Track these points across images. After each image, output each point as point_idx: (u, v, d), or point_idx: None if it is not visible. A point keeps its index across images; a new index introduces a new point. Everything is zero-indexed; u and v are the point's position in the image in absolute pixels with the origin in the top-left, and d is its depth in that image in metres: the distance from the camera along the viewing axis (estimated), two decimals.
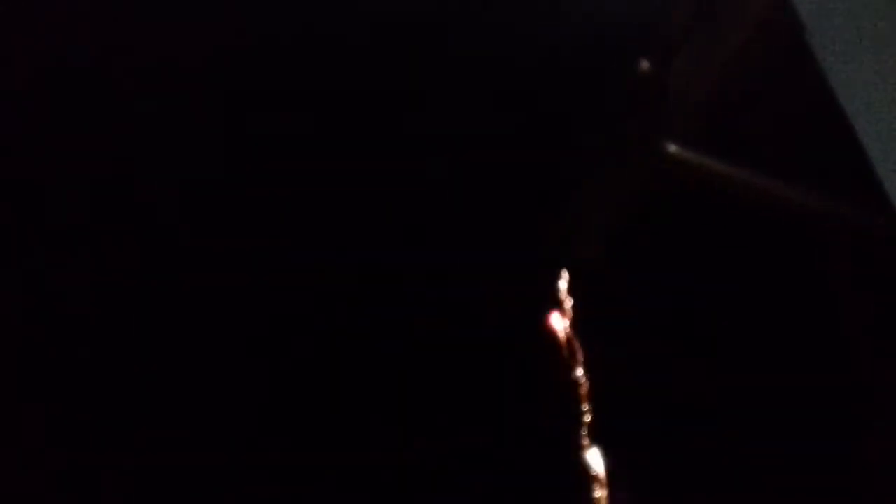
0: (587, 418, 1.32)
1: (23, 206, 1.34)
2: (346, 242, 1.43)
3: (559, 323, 1.39)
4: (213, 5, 1.43)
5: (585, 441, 1.29)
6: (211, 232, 1.40)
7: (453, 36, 1.55)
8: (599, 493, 1.25)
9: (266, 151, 1.44)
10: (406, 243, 1.45)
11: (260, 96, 1.45)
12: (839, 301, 1.36)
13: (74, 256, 1.34)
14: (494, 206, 1.53)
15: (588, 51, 1.51)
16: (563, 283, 1.43)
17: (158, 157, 1.40)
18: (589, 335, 1.43)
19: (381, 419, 1.30)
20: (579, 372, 1.35)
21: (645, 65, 1.48)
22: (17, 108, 1.36)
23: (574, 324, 1.42)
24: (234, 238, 1.40)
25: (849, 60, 1.45)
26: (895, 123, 1.46)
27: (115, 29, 1.39)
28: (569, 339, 1.37)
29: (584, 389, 1.35)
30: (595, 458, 1.27)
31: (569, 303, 1.41)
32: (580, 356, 1.37)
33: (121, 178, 1.39)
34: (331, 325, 1.40)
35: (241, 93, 1.45)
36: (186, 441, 1.26)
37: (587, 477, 1.26)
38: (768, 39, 1.43)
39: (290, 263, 1.40)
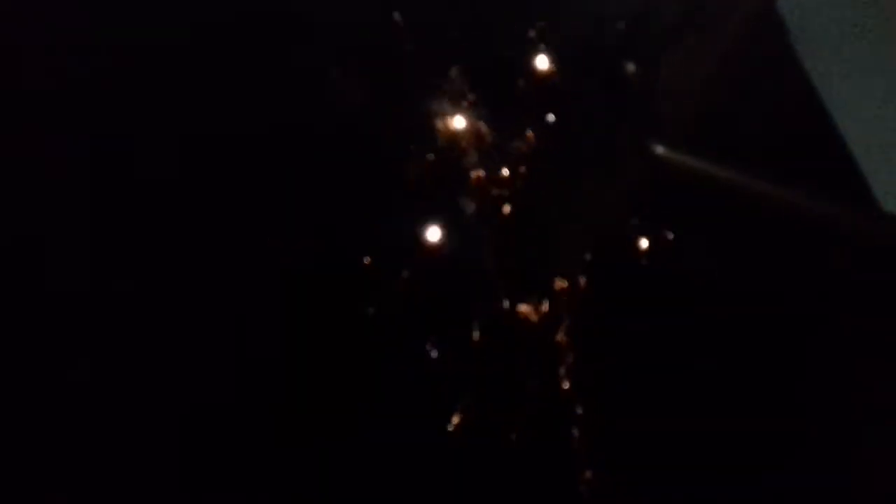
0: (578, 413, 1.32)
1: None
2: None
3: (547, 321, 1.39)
4: None
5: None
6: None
7: (439, 38, 1.55)
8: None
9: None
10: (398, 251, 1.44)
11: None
12: (827, 299, 1.37)
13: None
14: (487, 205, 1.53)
15: (574, 53, 1.51)
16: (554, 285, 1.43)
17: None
18: (580, 338, 1.43)
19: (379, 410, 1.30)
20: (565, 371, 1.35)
21: (631, 67, 1.49)
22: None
23: (565, 327, 1.42)
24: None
25: (833, 62, 1.47)
26: (878, 123, 1.48)
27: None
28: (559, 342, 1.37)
29: (569, 387, 1.35)
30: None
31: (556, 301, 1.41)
32: (570, 358, 1.38)
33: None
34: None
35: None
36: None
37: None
38: (755, 41, 1.44)
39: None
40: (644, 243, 1.45)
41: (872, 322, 1.32)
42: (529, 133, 1.50)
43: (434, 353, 1.36)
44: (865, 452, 1.28)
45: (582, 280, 1.43)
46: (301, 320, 1.34)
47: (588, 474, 1.29)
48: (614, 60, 1.50)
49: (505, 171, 1.48)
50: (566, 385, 1.36)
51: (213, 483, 1.23)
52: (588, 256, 1.47)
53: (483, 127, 1.51)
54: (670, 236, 1.45)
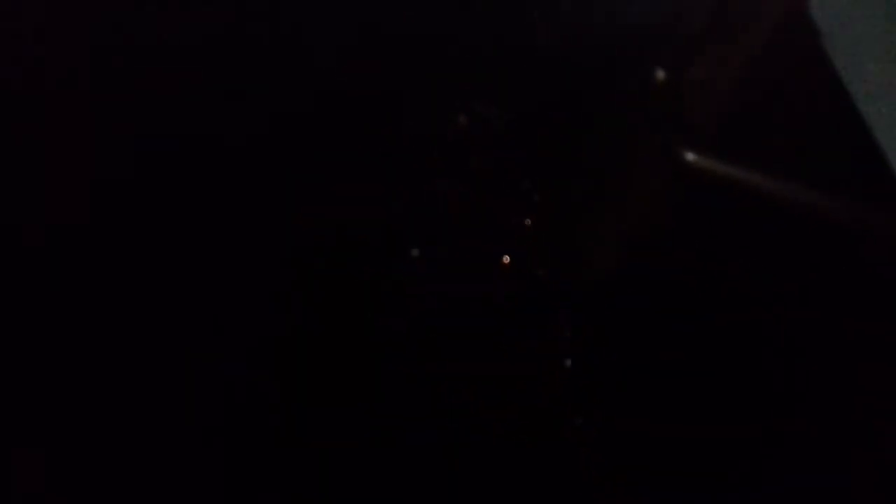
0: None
1: None
2: None
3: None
4: None
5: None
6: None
7: (460, 44, 1.55)
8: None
9: None
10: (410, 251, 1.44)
11: None
12: (862, 304, 1.35)
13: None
14: (507, 216, 1.53)
15: (602, 60, 1.50)
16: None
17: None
18: (606, 345, 1.43)
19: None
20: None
21: (661, 73, 1.47)
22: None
23: (591, 334, 1.42)
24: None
25: (866, 65, 1.45)
26: None
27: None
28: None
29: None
30: None
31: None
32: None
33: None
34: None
35: None
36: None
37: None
38: (786, 44, 1.43)
39: None
40: (673, 249, 1.45)
41: None
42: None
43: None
44: (872, 455, 1.27)
45: (609, 286, 1.43)
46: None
47: (590, 470, 1.29)
48: (643, 66, 1.49)
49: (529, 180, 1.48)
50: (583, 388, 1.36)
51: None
52: (616, 262, 1.46)
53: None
54: (700, 242, 1.44)
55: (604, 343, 1.41)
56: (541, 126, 1.53)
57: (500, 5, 1.59)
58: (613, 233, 1.48)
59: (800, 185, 1.41)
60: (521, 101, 1.51)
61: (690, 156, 1.43)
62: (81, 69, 1.45)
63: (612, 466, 1.30)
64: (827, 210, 1.41)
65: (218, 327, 1.34)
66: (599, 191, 1.50)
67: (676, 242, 1.43)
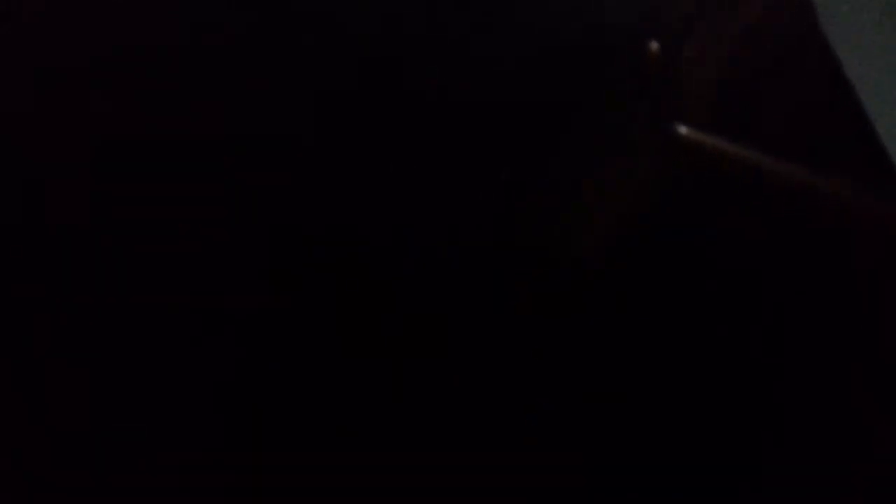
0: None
1: None
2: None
3: None
4: None
5: None
6: None
7: (457, 24, 1.53)
8: None
9: None
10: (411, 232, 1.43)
11: None
12: (856, 284, 1.35)
13: None
14: (499, 193, 1.51)
15: (596, 32, 1.49)
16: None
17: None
18: (599, 326, 1.42)
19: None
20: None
21: (655, 46, 1.46)
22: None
23: (585, 313, 1.40)
24: None
25: (860, 41, 1.44)
26: None
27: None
28: None
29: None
30: None
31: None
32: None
33: None
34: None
35: None
36: None
37: None
38: (779, 19, 1.42)
39: None
40: (663, 224, 1.43)
41: None
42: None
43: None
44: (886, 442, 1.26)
45: (598, 264, 1.41)
46: None
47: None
48: (637, 39, 1.47)
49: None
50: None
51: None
52: (607, 239, 1.45)
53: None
54: (691, 219, 1.43)
55: (595, 321, 1.39)
56: (529, 98, 1.51)
57: None
58: (604, 207, 1.47)
59: (792, 161, 1.41)
60: (510, 71, 1.50)
61: (683, 129, 1.42)
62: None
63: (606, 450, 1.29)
64: (819, 188, 1.40)
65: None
66: (589, 164, 1.48)
67: (667, 218, 1.42)
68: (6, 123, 1.35)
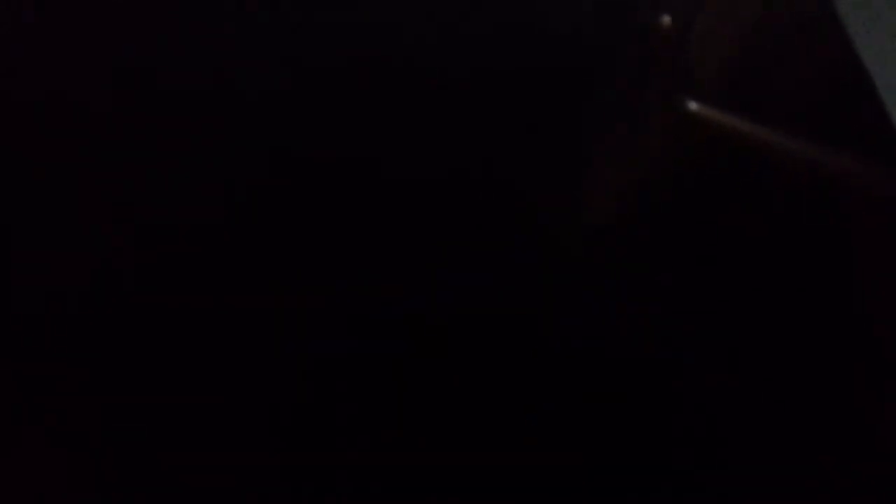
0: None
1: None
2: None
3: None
4: None
5: None
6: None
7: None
8: None
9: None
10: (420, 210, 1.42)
11: None
12: (863, 261, 1.35)
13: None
14: (506, 167, 1.51)
15: (608, 6, 1.48)
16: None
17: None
18: (608, 296, 1.42)
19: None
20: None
21: (666, 20, 1.45)
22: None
23: (593, 285, 1.40)
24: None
25: (873, 17, 1.43)
26: None
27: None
28: None
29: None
30: None
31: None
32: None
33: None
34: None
35: None
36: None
37: None
38: None
39: None
40: (675, 200, 1.43)
41: None
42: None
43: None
44: (883, 419, 1.26)
45: (606, 237, 1.42)
46: None
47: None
48: (647, 12, 1.47)
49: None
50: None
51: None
52: (614, 213, 1.45)
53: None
54: (702, 193, 1.43)
55: (603, 292, 1.39)
56: (543, 69, 1.50)
57: None
58: (614, 181, 1.47)
59: (802, 137, 1.40)
60: (523, 43, 1.49)
61: (693, 105, 1.41)
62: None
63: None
64: (828, 163, 1.40)
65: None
66: (601, 137, 1.48)
67: (676, 192, 1.42)
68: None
